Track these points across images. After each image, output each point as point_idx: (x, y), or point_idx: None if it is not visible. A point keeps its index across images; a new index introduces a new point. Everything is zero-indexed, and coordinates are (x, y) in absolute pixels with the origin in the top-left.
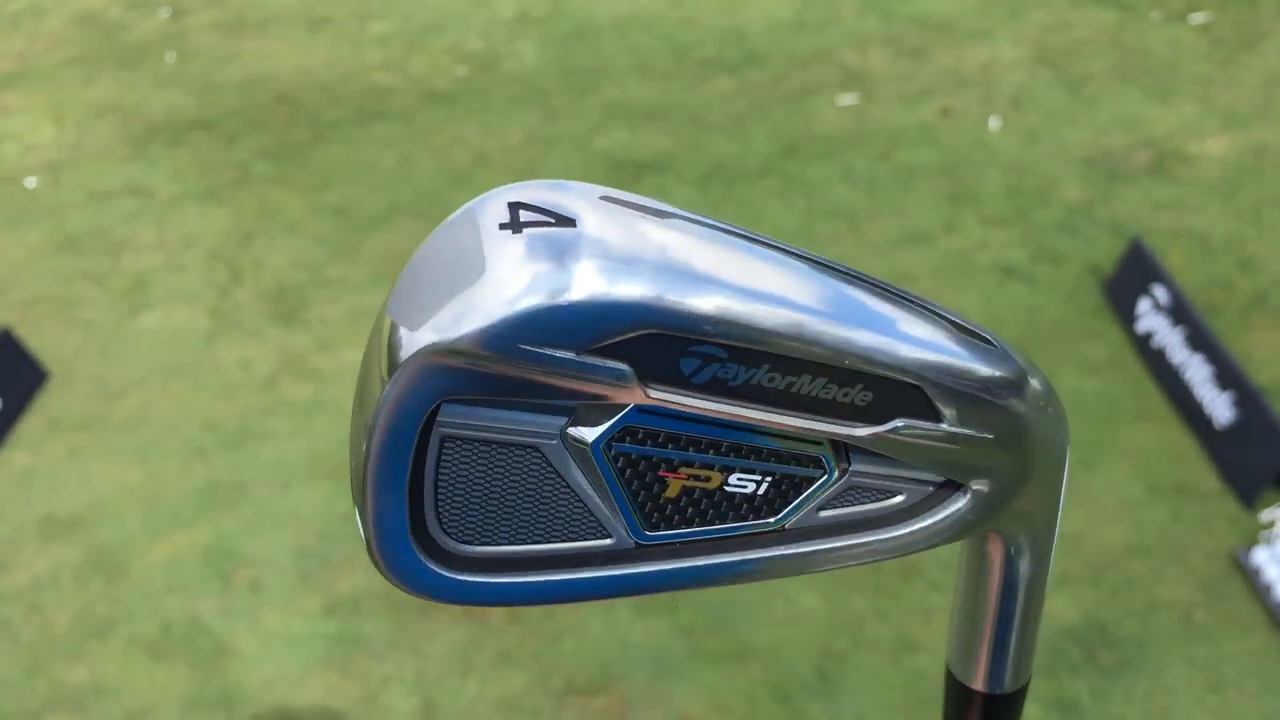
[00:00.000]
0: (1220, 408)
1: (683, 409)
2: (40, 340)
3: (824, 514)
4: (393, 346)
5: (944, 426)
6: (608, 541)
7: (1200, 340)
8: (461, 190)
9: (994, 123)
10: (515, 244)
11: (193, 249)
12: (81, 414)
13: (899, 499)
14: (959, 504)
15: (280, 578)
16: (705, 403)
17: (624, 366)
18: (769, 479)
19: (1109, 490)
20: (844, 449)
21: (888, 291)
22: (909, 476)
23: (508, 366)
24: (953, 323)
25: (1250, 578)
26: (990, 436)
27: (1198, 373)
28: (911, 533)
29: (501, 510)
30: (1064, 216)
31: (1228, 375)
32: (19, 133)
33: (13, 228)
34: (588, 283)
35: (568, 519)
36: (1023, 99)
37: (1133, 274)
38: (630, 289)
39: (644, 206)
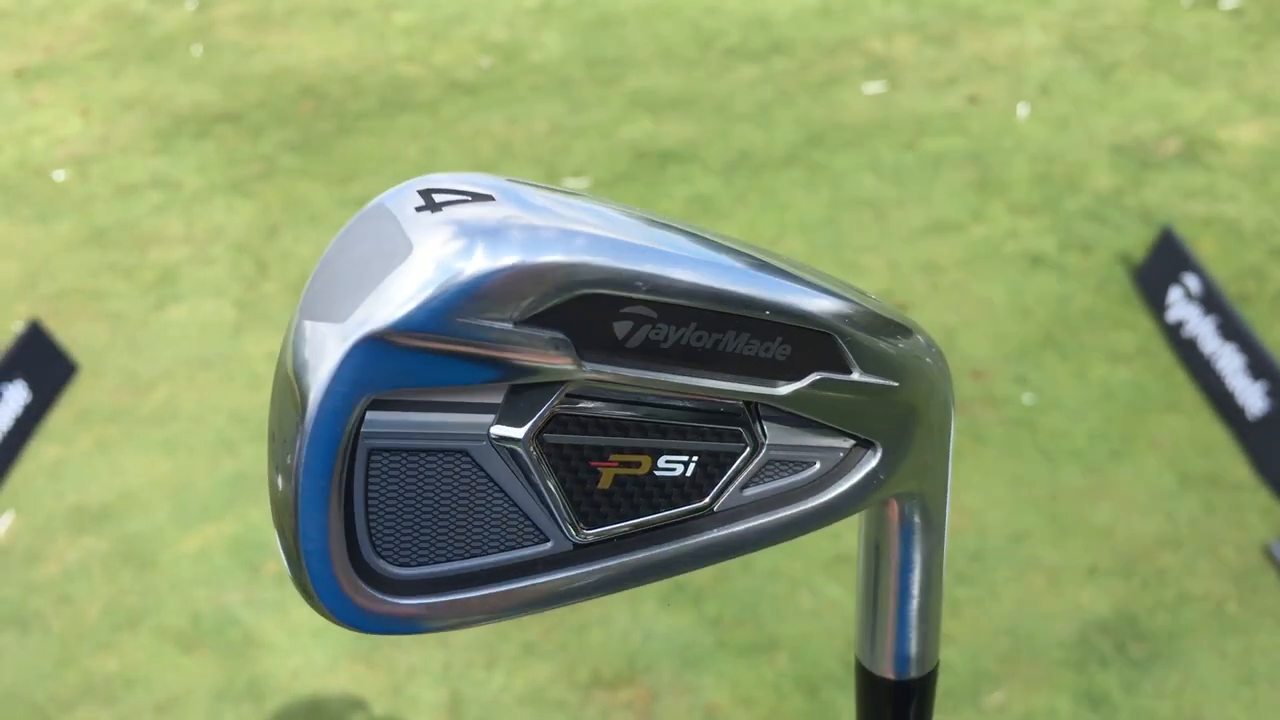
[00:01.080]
0: (1252, 398)
1: (617, 381)
2: (69, 333)
3: (748, 492)
4: (317, 347)
5: (854, 377)
6: (546, 546)
7: (1232, 330)
8: None
9: (1022, 110)
10: (438, 221)
11: (219, 241)
12: (110, 406)
13: (815, 468)
14: (871, 463)
15: None
16: (639, 371)
17: (561, 335)
18: (694, 459)
19: (1139, 481)
20: (760, 421)
21: (782, 259)
22: (821, 445)
23: (445, 343)
24: (837, 282)
25: None
26: (895, 384)
27: (1229, 362)
28: (833, 499)
29: (435, 525)
30: (1093, 205)
31: (1260, 365)
32: (47, 126)
33: (42, 221)
34: (521, 247)
35: (503, 526)
36: (1051, 86)
37: (1163, 263)
38: (564, 251)
39: (550, 188)
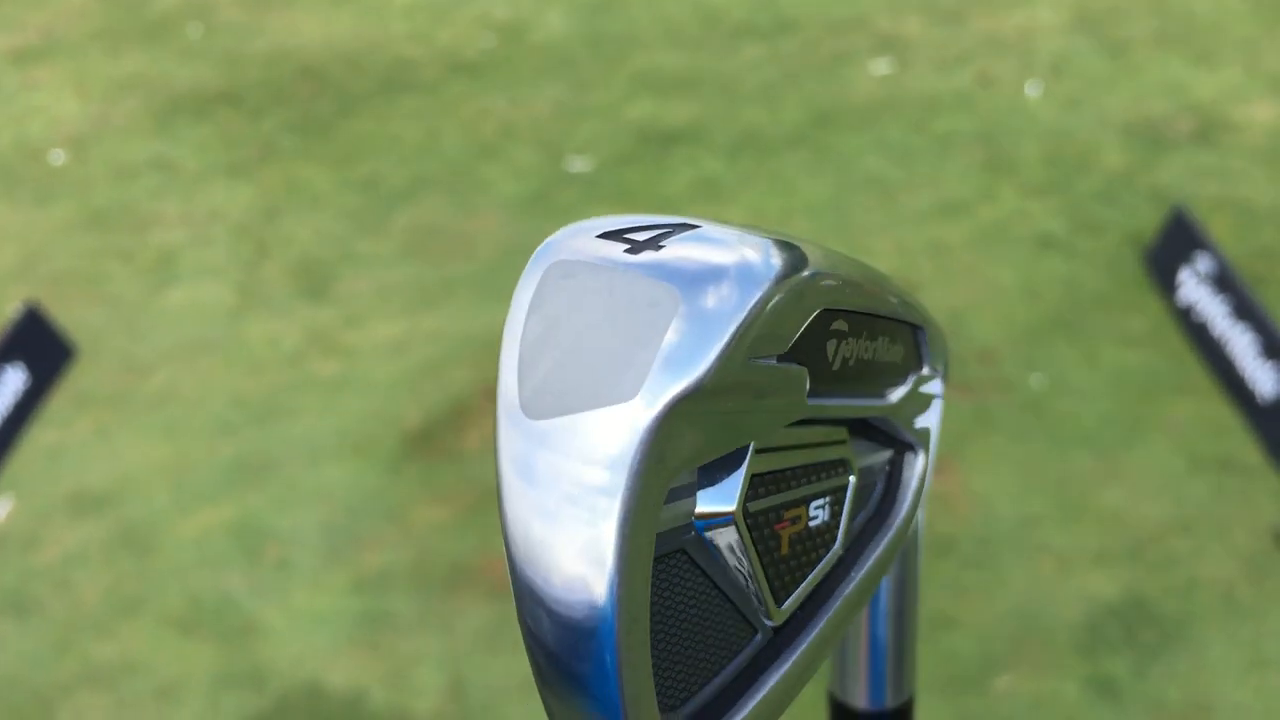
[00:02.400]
0: (1264, 380)
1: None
2: (67, 316)
3: (855, 522)
4: (604, 435)
5: (925, 371)
6: (757, 639)
7: (1245, 311)
8: (490, 163)
9: (1032, 89)
10: (668, 262)
11: (219, 224)
12: (109, 390)
13: (879, 487)
14: (918, 466)
15: (308, 554)
16: (838, 399)
17: (798, 366)
18: (828, 499)
19: (1150, 465)
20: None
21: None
22: (876, 460)
23: (733, 398)
24: None
25: None
26: (940, 370)
27: (1241, 344)
28: (905, 514)
29: (678, 648)
30: (1104, 185)
31: (1273, 347)
32: (45, 107)
33: (39, 203)
34: (779, 271)
35: (722, 631)
36: (1062, 65)
37: (1175, 244)
38: (807, 267)
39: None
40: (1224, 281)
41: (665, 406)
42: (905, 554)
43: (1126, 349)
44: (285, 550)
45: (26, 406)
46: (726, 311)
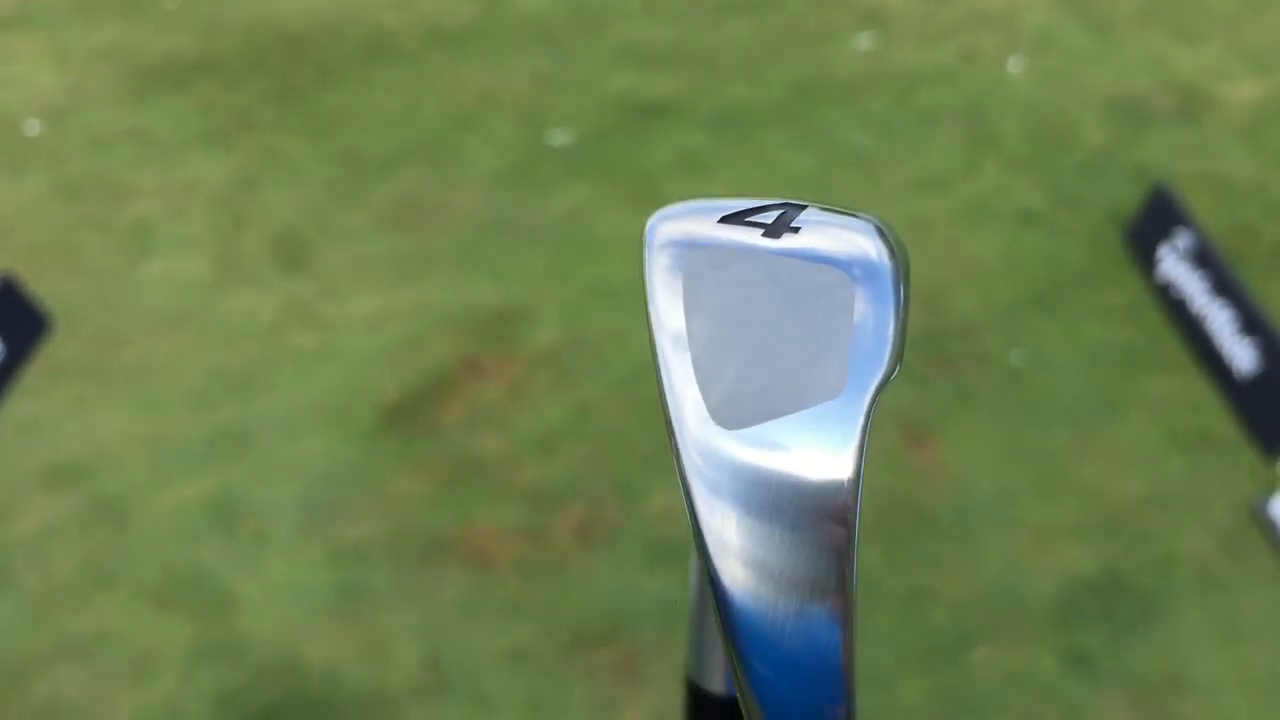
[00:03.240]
0: (1242, 356)
1: None
2: (43, 288)
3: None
4: (820, 440)
5: None
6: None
7: (1224, 287)
8: (469, 135)
9: (1015, 65)
10: (818, 244)
11: (196, 195)
12: (85, 362)
13: None
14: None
15: (286, 527)
16: None
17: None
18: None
19: (1127, 441)
20: None
21: None
22: None
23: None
24: None
25: (1268, 529)
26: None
27: (1220, 321)
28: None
29: None
30: (1086, 161)
31: (1252, 323)
32: (20, 77)
33: (14, 173)
34: (895, 241)
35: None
36: (1045, 40)
37: (1155, 220)
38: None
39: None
40: (1203, 258)
41: (872, 396)
42: None
43: (1106, 325)
44: (262, 522)
45: (1, 378)
46: (888, 288)
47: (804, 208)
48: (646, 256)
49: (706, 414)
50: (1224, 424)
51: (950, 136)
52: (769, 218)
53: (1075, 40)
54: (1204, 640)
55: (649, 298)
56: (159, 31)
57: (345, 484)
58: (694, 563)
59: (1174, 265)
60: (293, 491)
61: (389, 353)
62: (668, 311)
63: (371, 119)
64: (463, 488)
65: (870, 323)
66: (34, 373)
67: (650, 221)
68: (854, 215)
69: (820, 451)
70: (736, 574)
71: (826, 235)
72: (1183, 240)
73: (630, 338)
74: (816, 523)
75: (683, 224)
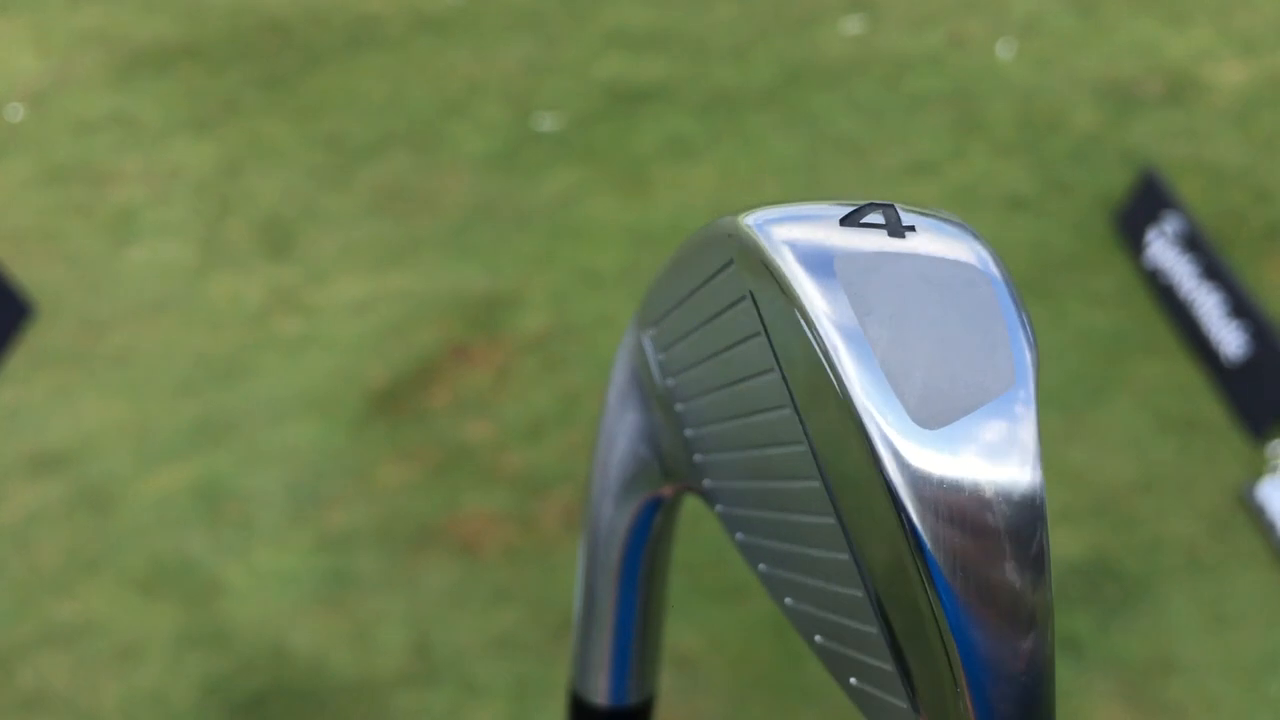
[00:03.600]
0: (1230, 341)
1: None
2: (26, 274)
3: None
4: (1010, 431)
5: None
6: None
7: (1212, 272)
8: (457, 120)
9: (1004, 49)
10: (945, 243)
11: (180, 181)
12: (69, 349)
13: None
14: None
15: (272, 514)
16: None
17: None
18: None
19: (1115, 425)
20: None
21: None
22: None
23: None
24: None
25: (1256, 513)
26: None
27: (1208, 305)
28: None
29: None
30: (1074, 146)
31: (1240, 307)
32: (2, 61)
33: None
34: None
35: None
36: (1034, 24)
37: (1144, 205)
38: None
39: None
40: (1192, 242)
41: (1034, 383)
42: (658, 539)
43: (1094, 309)
44: (248, 510)
45: None
46: (1007, 276)
47: (892, 207)
48: (779, 265)
49: (903, 414)
50: (1212, 408)
51: (939, 121)
52: (878, 218)
53: (1064, 24)
54: (1191, 624)
55: (801, 308)
56: (143, 15)
57: (332, 471)
58: (581, 575)
59: (1162, 250)
60: (279, 478)
61: (376, 339)
62: (836, 317)
63: (358, 104)
64: (450, 474)
65: (1012, 312)
66: (17, 359)
67: (759, 230)
68: (935, 213)
69: (1018, 446)
70: (963, 588)
71: (940, 234)
72: (1171, 225)
73: (618, 324)
74: (1032, 519)
75: (803, 230)
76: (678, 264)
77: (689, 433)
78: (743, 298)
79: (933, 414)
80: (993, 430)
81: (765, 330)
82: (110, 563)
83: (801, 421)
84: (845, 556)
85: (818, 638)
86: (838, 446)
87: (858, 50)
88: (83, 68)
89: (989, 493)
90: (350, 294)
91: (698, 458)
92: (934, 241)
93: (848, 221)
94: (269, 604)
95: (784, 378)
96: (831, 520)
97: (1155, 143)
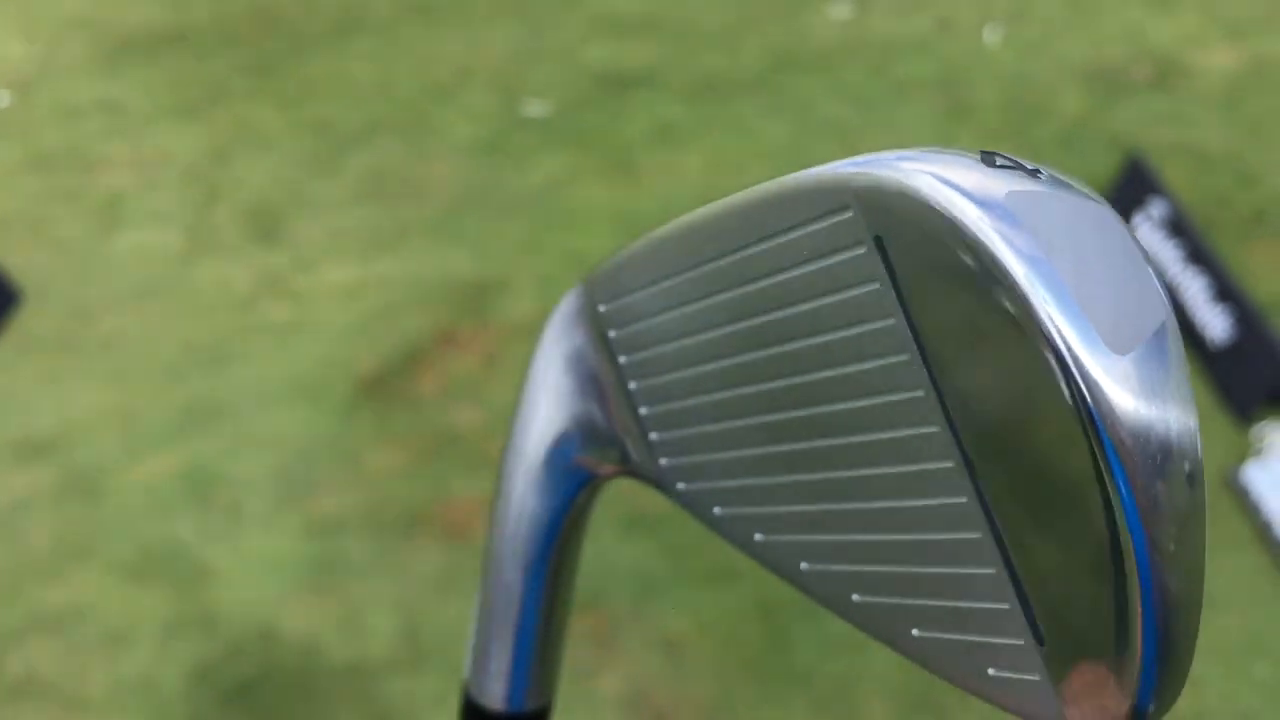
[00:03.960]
0: (1216, 324)
1: None
2: (12, 261)
3: None
4: (1177, 355)
5: None
6: None
7: (1198, 256)
8: (444, 106)
9: (991, 34)
10: (1067, 179)
11: (168, 167)
12: (56, 335)
13: None
14: None
15: (260, 500)
16: None
17: None
18: None
19: None
20: None
21: None
22: None
23: None
24: None
25: (1241, 495)
26: None
27: (1194, 289)
28: None
29: None
30: (1061, 131)
31: (1226, 291)
32: None
33: None
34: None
35: None
36: (1021, 10)
37: (1130, 189)
38: None
39: None
40: (1178, 227)
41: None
42: (566, 538)
43: None
44: (236, 495)
45: None
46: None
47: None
48: (943, 208)
49: (1098, 341)
50: (1198, 392)
51: (927, 106)
52: (1008, 161)
53: (1051, 9)
54: None
55: (984, 247)
56: (130, 1)
57: (320, 456)
58: (487, 567)
59: (1148, 234)
60: (267, 464)
61: (364, 324)
62: (1024, 253)
63: (345, 90)
64: (439, 460)
65: (1141, 246)
66: (4, 346)
67: (892, 174)
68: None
69: (1184, 364)
70: (1149, 509)
71: (1058, 177)
72: (1157, 209)
73: None
74: (1196, 443)
75: (950, 170)
76: (692, 231)
77: (645, 410)
78: (857, 243)
79: (1121, 341)
80: (1168, 351)
81: (892, 275)
82: (99, 549)
83: (927, 366)
84: (962, 499)
85: (855, 596)
86: (997, 384)
87: (846, 35)
88: (69, 54)
89: (1174, 412)
90: (339, 280)
91: (654, 436)
92: (1060, 184)
93: (985, 162)
94: (258, 589)
95: (911, 324)
96: (949, 464)
97: (1142, 127)
